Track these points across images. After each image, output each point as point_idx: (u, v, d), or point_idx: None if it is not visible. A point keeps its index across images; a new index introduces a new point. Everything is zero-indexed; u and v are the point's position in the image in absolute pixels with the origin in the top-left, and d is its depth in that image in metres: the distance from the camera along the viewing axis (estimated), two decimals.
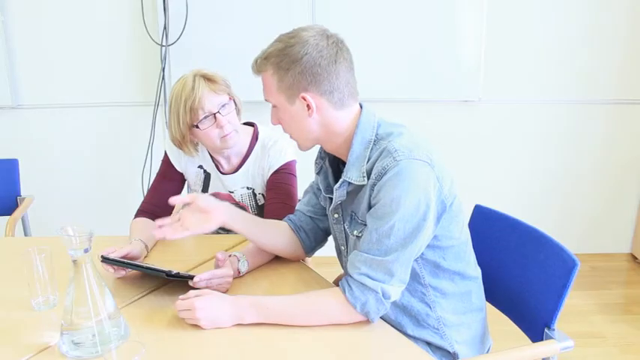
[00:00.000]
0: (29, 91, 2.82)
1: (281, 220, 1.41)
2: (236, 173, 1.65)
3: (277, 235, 1.36)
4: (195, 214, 1.20)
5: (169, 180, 1.67)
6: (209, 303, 1.09)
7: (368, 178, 1.11)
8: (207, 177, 1.69)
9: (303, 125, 1.15)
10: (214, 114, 1.49)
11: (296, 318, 1.10)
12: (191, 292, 1.12)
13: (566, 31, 2.78)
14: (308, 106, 1.11)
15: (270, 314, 1.10)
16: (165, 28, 2.65)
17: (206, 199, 1.23)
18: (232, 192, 1.67)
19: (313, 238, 1.39)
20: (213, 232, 1.75)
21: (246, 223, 1.30)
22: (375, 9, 2.69)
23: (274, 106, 1.16)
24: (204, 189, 1.70)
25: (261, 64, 1.12)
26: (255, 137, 1.66)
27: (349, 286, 1.09)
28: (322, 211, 1.37)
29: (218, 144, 1.54)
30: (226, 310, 1.09)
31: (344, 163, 1.19)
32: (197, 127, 1.50)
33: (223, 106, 1.50)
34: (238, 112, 1.58)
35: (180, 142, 1.57)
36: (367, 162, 1.12)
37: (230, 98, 1.54)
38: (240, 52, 2.53)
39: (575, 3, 2.74)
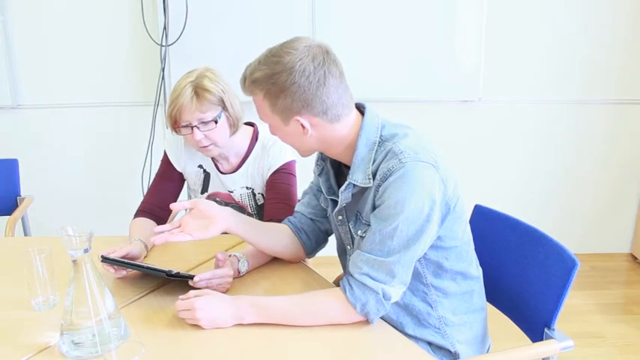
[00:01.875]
0: (29, 91, 2.82)
1: (281, 220, 1.41)
2: (236, 173, 1.65)
3: (279, 238, 1.35)
4: (197, 220, 1.19)
5: (169, 180, 1.68)
6: (209, 303, 1.09)
7: (373, 180, 1.11)
8: (206, 176, 1.69)
9: (301, 141, 1.15)
10: (192, 126, 1.49)
11: (296, 318, 1.10)
12: (191, 292, 1.12)
13: (566, 31, 2.78)
14: (302, 126, 1.11)
15: (270, 314, 1.10)
16: (165, 28, 2.65)
17: (208, 204, 1.21)
18: (232, 191, 1.67)
19: (314, 239, 1.39)
20: None
21: (249, 229, 1.28)
22: (374, 9, 2.69)
23: (270, 124, 1.17)
24: (204, 188, 1.70)
25: (250, 88, 1.11)
26: (255, 137, 1.66)
27: (350, 286, 1.09)
28: (323, 212, 1.36)
29: (198, 150, 1.56)
30: (226, 310, 1.09)
31: (346, 165, 1.19)
32: (178, 129, 1.52)
33: (204, 123, 1.48)
34: (233, 124, 1.55)
35: (173, 130, 1.57)
36: (372, 164, 1.11)
37: (220, 112, 1.50)
38: (240, 52, 2.52)
39: (575, 3, 2.74)
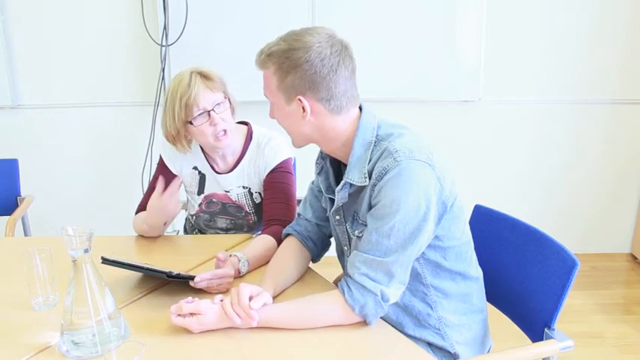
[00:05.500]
0: (29, 91, 2.82)
1: (281, 220, 1.41)
2: (231, 172, 1.65)
3: (297, 263, 1.32)
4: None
5: (165, 183, 1.67)
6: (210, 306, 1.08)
7: (369, 179, 1.11)
8: (202, 178, 1.69)
9: (297, 125, 1.15)
10: (208, 111, 1.50)
11: (295, 321, 1.10)
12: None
13: (566, 31, 2.78)
14: (303, 108, 1.11)
15: (269, 318, 1.09)
16: (165, 28, 2.65)
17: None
18: (228, 191, 1.67)
19: (320, 245, 1.39)
20: (212, 232, 1.76)
21: (282, 280, 1.25)
22: (374, 9, 2.69)
23: (272, 103, 1.17)
24: (200, 190, 1.70)
25: (264, 61, 1.13)
26: (249, 136, 1.66)
27: (349, 287, 1.09)
28: (324, 214, 1.36)
29: (212, 142, 1.54)
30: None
31: (345, 164, 1.19)
32: (191, 123, 1.50)
33: (218, 104, 1.51)
34: (233, 111, 1.58)
35: (175, 138, 1.56)
36: (368, 163, 1.12)
37: (225, 97, 1.54)
38: (240, 52, 2.53)
39: (575, 3, 2.74)
